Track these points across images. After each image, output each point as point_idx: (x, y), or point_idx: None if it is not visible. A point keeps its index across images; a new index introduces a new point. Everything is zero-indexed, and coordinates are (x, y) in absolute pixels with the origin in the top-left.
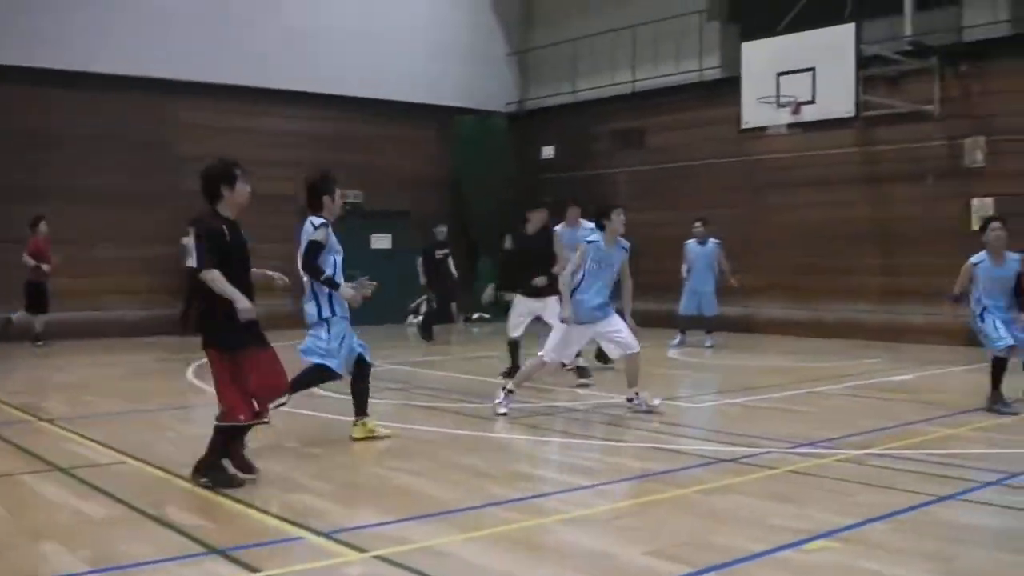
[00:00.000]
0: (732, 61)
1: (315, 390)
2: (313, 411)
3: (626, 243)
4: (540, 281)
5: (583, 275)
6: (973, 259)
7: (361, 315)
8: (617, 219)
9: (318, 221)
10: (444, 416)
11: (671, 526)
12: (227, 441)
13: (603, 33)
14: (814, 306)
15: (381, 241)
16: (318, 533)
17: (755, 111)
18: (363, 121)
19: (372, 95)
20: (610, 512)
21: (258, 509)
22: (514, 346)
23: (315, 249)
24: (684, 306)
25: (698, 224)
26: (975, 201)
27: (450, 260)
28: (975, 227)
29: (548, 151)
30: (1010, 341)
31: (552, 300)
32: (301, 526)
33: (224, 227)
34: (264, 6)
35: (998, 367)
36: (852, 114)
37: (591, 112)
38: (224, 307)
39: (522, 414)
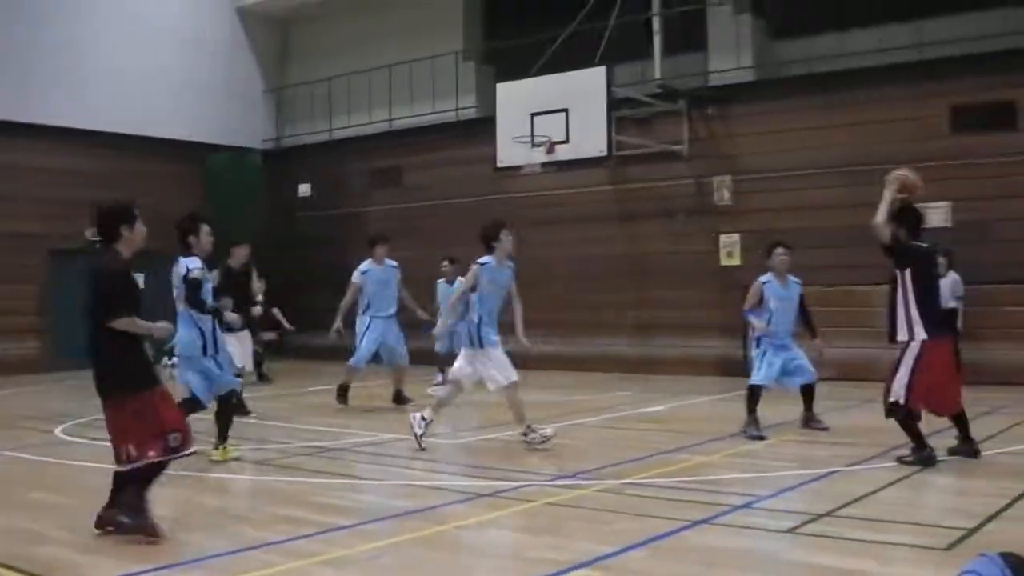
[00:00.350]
0: (488, 101)
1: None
2: (59, 459)
3: (511, 263)
4: (235, 320)
5: (477, 299)
6: (762, 278)
7: None
8: (506, 239)
9: (194, 263)
10: (198, 459)
11: (431, 563)
12: (146, 484)
13: (360, 72)
14: (572, 341)
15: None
16: None
17: (510, 150)
18: (116, 158)
19: (125, 131)
20: (370, 552)
21: (1, 564)
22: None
23: (195, 286)
24: (440, 344)
25: (446, 263)
26: (723, 237)
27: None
28: (724, 262)
29: (304, 189)
30: (764, 382)
31: (244, 335)
32: None
33: (129, 269)
34: (17, 38)
35: (754, 395)
36: (605, 154)
37: (348, 150)
38: (130, 349)
39: (280, 455)
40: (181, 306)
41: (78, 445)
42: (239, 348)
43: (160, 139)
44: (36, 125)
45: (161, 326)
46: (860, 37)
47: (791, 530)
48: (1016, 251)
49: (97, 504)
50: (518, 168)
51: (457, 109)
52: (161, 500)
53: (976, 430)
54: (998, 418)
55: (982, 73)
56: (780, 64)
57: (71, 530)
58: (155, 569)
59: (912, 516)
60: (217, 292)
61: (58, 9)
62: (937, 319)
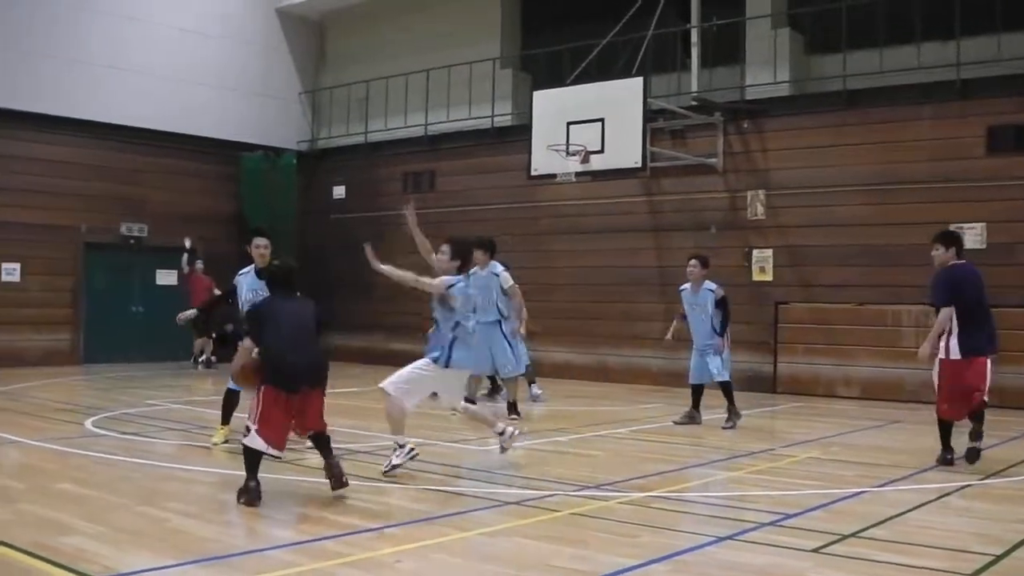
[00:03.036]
0: (524, 109)
1: (93, 428)
2: (87, 451)
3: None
4: None
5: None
6: (681, 287)
7: (146, 353)
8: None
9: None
10: (226, 457)
11: (453, 569)
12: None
13: (397, 76)
14: (599, 351)
15: (167, 277)
16: None
17: (545, 159)
18: (152, 153)
19: (161, 127)
20: (393, 555)
21: (27, 552)
22: None
23: None
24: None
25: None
26: (755, 252)
27: None
28: (756, 277)
29: (339, 191)
30: (692, 379)
31: None
32: (72, 570)
33: None
34: (47, 32)
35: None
36: (639, 165)
37: (383, 153)
38: None
39: (303, 455)
40: None
41: (107, 438)
42: None
43: (195, 136)
44: (74, 119)
45: None
46: (897, 55)
47: (816, 549)
48: None
49: (125, 496)
50: (552, 176)
51: (492, 116)
52: (191, 496)
53: (1005, 454)
54: None
55: (1019, 94)
56: (816, 79)
57: (97, 521)
58: (178, 564)
59: (940, 540)
60: None
61: (101, 5)
62: None
